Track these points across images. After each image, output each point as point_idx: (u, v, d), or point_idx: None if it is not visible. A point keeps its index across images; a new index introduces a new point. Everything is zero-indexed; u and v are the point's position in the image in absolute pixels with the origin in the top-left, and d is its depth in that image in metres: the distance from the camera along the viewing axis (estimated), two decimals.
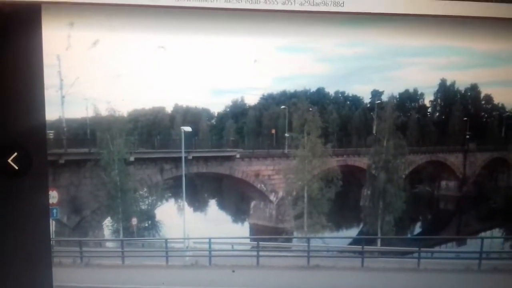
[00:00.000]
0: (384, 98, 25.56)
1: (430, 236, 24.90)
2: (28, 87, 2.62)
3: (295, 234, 22.66)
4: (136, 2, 2.80)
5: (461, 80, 27.68)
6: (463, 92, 29.19)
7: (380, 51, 24.35)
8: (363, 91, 30.24)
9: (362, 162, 24.95)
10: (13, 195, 2.65)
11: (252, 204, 25.58)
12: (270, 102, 29.20)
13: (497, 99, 29.16)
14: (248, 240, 24.00)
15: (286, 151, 24.85)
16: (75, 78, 21.35)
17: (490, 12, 2.96)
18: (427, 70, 26.45)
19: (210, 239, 16.37)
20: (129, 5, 2.84)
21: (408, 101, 29.80)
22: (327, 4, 2.90)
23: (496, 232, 24.25)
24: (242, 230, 26.35)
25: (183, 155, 22.30)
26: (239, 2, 2.83)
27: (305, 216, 21.80)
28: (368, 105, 28.51)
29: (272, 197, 24.42)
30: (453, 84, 28.65)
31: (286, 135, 25.18)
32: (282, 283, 12.33)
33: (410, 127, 26.84)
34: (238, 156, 24.35)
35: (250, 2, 2.83)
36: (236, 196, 27.64)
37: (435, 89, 29.12)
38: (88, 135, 22.76)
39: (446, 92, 29.15)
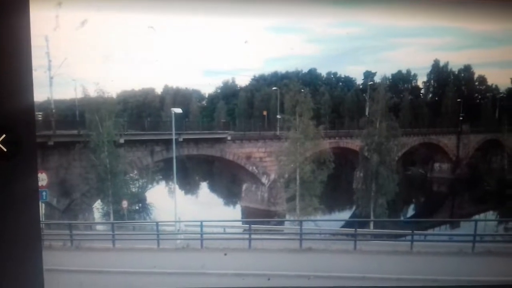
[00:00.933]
0: (377, 79, 25.65)
1: (423, 218, 25.10)
2: (16, 68, 2.54)
3: (287, 217, 22.71)
4: None
5: (455, 61, 27.82)
6: (456, 73, 29.33)
7: (373, 32, 24.33)
8: (355, 72, 30.36)
9: (354, 144, 24.99)
10: (2, 178, 2.58)
11: (244, 186, 25.60)
12: (261, 83, 29.23)
13: (491, 80, 29.36)
14: (240, 223, 24.04)
15: (278, 133, 24.85)
16: (63, 59, 21.21)
17: None
18: (420, 51, 26.54)
19: (201, 222, 16.29)
20: None
21: (401, 82, 29.87)
22: None
23: (490, 214, 24.49)
24: (234, 213, 26.43)
25: (173, 137, 22.19)
26: None
27: (297, 199, 21.80)
28: (361, 86, 28.61)
29: (264, 180, 24.44)
30: (446, 65, 28.78)
31: (278, 116, 25.17)
32: (275, 266, 12.30)
33: (403, 108, 26.96)
34: (229, 138, 24.28)
35: None
36: (228, 179, 27.72)
37: (428, 70, 29.28)
38: (77, 116, 22.68)
39: (439, 73, 29.22)
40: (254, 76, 29.45)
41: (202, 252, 14.82)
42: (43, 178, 17.94)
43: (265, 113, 27.48)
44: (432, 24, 21.91)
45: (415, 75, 29.85)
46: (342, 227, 21.52)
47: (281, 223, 23.05)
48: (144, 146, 22.54)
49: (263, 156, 24.48)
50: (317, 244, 15.15)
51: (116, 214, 21.19)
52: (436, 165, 28.49)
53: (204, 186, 29.90)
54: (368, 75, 27.02)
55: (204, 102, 30.39)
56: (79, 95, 22.24)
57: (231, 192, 27.50)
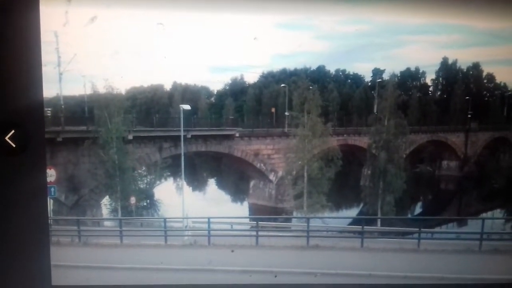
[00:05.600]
0: (385, 76, 25.56)
1: (430, 216, 25.02)
2: (26, 64, 2.55)
3: (294, 214, 22.71)
4: None
5: (463, 58, 27.64)
6: (465, 70, 29.16)
7: (382, 29, 24.22)
8: (364, 69, 30.23)
9: (362, 141, 24.94)
10: (11, 173, 2.61)
11: (252, 183, 25.61)
12: (270, 80, 29.15)
13: (499, 78, 29.20)
14: (247, 220, 24.02)
15: (286, 130, 24.80)
16: (72, 55, 21.25)
17: None
18: (429, 48, 26.35)
19: (209, 218, 16.31)
20: None
21: (409, 79, 29.76)
22: None
23: (497, 213, 24.40)
24: (241, 209, 26.47)
25: (182, 133, 22.21)
26: None
27: (304, 196, 21.81)
28: (369, 83, 28.53)
29: (271, 177, 24.43)
30: (454, 62, 28.63)
31: (286, 113, 25.11)
32: (282, 262, 12.29)
33: (411, 106, 26.81)
34: (237, 135, 24.27)
35: None
36: (235, 176, 27.72)
37: (437, 67, 29.11)
38: (86, 112, 22.71)
39: (447, 71, 29.07)
40: (263, 73, 29.39)
41: (209, 248, 14.83)
42: (51, 174, 17.96)
43: (273, 110, 27.45)
44: (440, 21, 21.82)
45: (423, 73, 29.71)
46: (349, 224, 21.43)
47: (288, 220, 23.05)
48: (152, 142, 22.55)
49: (271, 153, 24.46)
50: (324, 242, 15.15)
51: (124, 210, 21.23)
52: (444, 162, 28.37)
53: (212, 183, 29.90)
54: (377, 72, 26.92)
55: (212, 99, 30.38)
56: (88, 91, 22.30)
57: (238, 189, 27.50)
